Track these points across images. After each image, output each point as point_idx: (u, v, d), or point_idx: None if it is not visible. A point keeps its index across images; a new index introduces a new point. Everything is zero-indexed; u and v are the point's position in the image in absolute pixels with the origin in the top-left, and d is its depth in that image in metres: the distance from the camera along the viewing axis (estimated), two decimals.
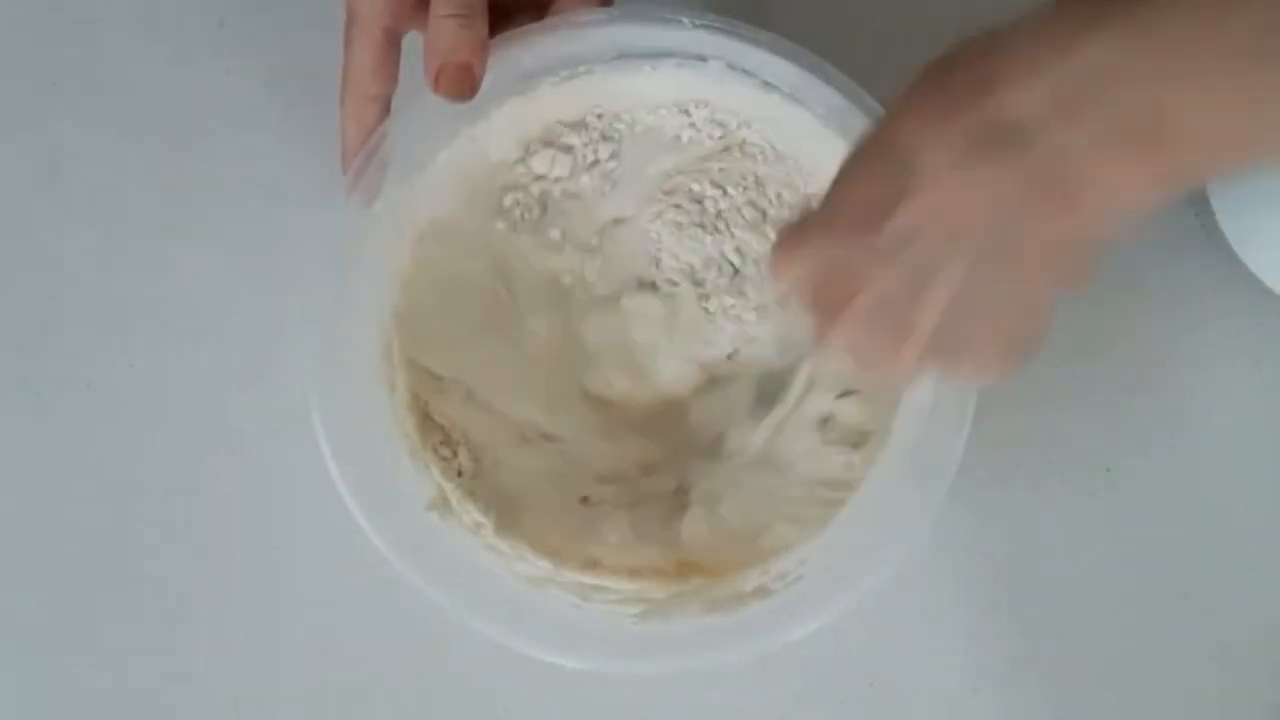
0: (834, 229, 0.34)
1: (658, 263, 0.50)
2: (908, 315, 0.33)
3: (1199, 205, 0.50)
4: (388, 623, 0.49)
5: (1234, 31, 0.29)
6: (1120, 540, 0.50)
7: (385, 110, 0.44)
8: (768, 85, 0.46)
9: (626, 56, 0.47)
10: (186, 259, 0.52)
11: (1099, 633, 0.50)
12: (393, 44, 0.43)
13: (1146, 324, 0.51)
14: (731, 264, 0.49)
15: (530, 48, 0.46)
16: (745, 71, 0.46)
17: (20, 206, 0.53)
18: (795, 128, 0.47)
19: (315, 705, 0.50)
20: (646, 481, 0.48)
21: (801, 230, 0.35)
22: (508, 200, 0.49)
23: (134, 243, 0.52)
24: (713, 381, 0.49)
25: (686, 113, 0.49)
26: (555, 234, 0.50)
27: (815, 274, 0.34)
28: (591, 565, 0.46)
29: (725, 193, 0.49)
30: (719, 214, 0.49)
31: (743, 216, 0.49)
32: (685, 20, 0.45)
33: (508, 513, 0.46)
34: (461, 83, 0.41)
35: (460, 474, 0.47)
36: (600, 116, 0.49)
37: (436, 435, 0.47)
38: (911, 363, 0.34)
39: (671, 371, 0.49)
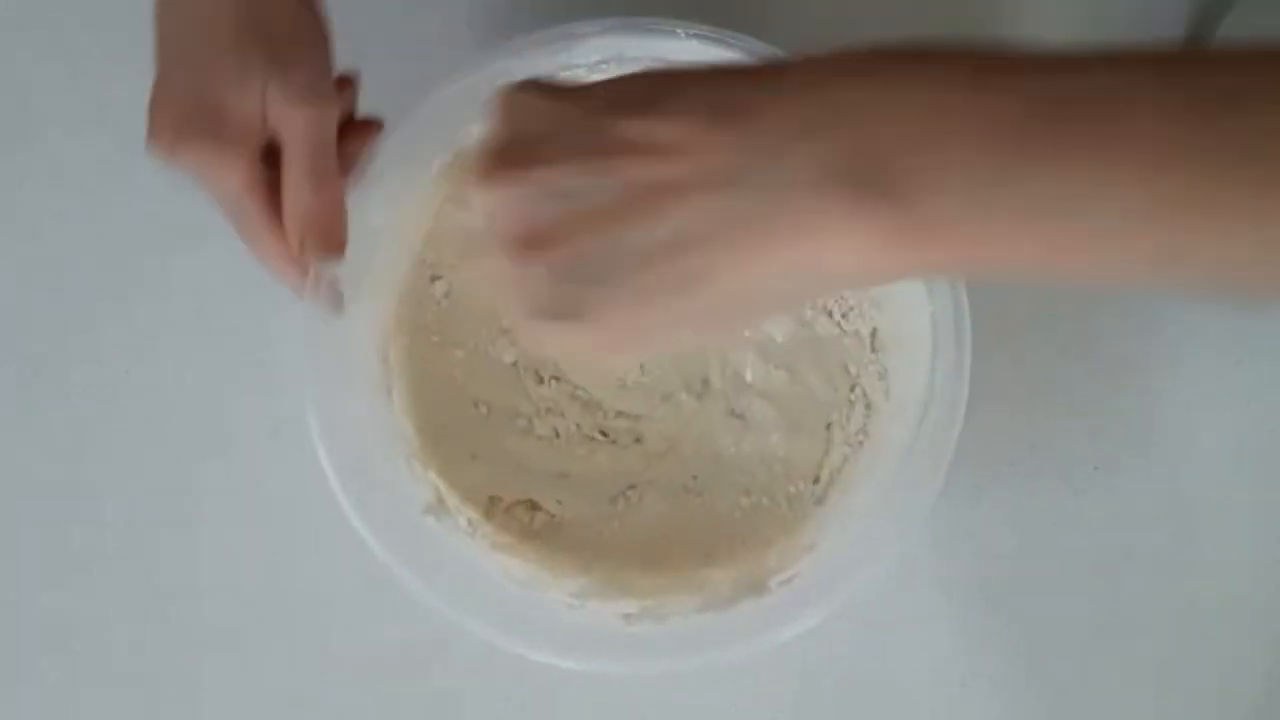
0: (567, 94, 0.31)
1: None
2: (559, 221, 0.30)
3: None
4: (384, 624, 0.49)
5: (994, 115, 0.27)
6: (1109, 537, 0.51)
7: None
8: None
9: (620, 63, 0.46)
10: (183, 265, 0.52)
11: (1090, 629, 0.50)
12: (269, 203, 0.42)
13: (1132, 325, 0.52)
14: None
15: (521, 58, 0.46)
16: None
17: (15, 210, 0.53)
18: None
19: (312, 706, 0.50)
20: (645, 477, 0.49)
21: (543, 82, 0.32)
22: None
23: (130, 247, 0.53)
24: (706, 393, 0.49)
25: None
26: None
27: (518, 121, 0.31)
28: (585, 569, 0.46)
29: None
30: None
31: None
32: (679, 31, 0.45)
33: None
34: (329, 243, 0.41)
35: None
36: None
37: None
38: (528, 263, 0.30)
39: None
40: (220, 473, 0.51)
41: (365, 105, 0.46)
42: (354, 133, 0.44)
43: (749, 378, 0.48)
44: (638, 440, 0.49)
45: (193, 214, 0.51)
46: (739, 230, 0.29)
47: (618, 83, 0.31)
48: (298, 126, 0.40)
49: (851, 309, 0.48)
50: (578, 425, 0.49)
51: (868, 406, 0.48)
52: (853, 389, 0.48)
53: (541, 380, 0.49)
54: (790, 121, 0.28)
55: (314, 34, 0.42)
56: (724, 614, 0.44)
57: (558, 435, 0.49)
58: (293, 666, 0.50)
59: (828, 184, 0.28)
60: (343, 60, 0.44)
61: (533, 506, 0.48)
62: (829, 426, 0.48)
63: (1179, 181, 0.27)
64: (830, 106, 0.28)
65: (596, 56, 0.46)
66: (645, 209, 0.29)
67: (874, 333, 0.48)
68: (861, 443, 0.48)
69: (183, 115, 0.40)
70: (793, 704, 0.50)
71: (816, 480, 0.48)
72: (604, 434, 0.49)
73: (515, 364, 0.49)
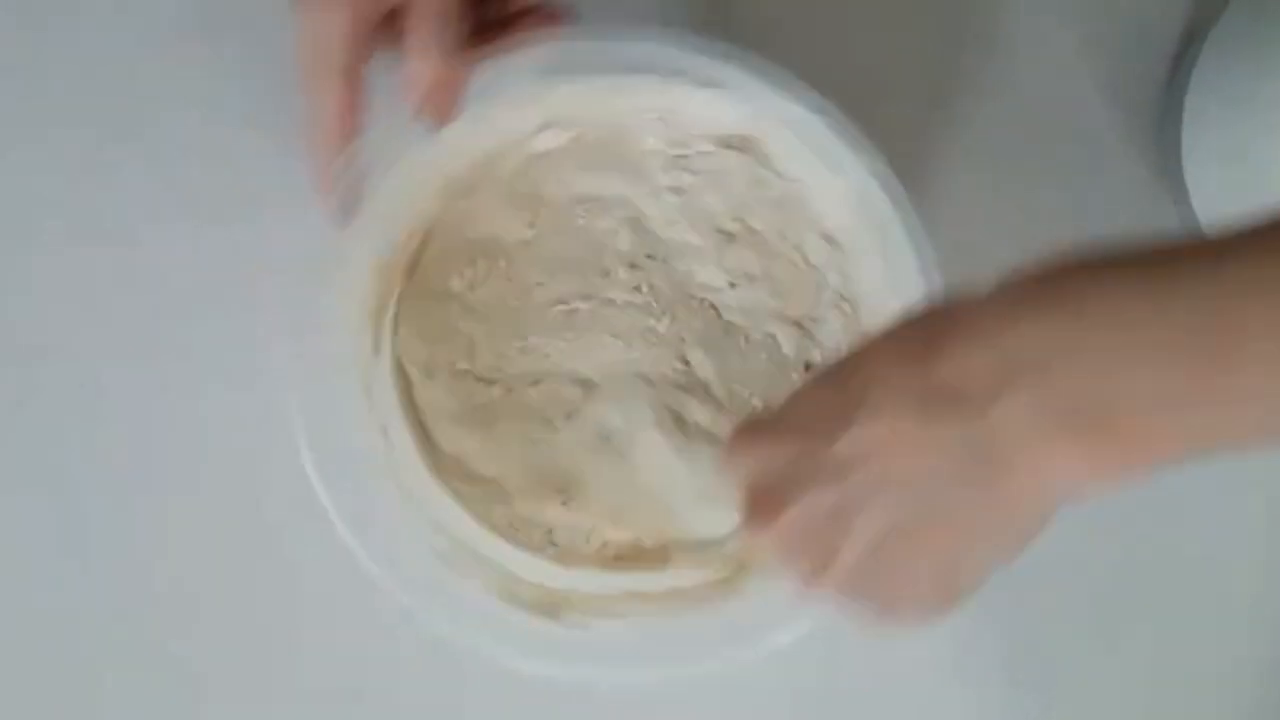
0: (782, 436, 0.35)
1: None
2: (830, 541, 0.34)
3: (1183, 210, 0.51)
4: (372, 633, 0.49)
5: (1168, 325, 0.29)
6: (1105, 537, 0.51)
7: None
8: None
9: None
10: (167, 256, 0.51)
11: (1086, 630, 0.50)
12: (358, 87, 0.41)
13: None
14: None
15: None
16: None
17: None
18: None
19: (300, 713, 0.50)
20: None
21: (753, 430, 0.36)
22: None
23: (112, 239, 0.52)
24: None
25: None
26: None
27: (756, 476, 0.35)
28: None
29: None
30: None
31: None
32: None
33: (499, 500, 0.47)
34: (443, 111, 0.41)
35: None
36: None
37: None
38: (826, 587, 0.35)
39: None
40: (203, 477, 0.50)
41: None
42: (527, 19, 0.43)
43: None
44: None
45: (179, 204, 0.51)
46: (967, 491, 0.32)
47: (815, 393, 0.35)
48: None
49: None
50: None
51: None
52: None
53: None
54: (984, 386, 0.30)
55: None
56: (709, 618, 0.44)
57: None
58: (283, 673, 0.50)
59: (1034, 431, 0.30)
60: None
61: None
62: None
63: None
64: (1016, 357, 0.30)
65: None
66: (886, 504, 0.33)
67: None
68: None
69: None
70: (782, 712, 0.50)
71: None
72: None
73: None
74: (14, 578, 0.50)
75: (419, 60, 0.40)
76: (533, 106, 0.47)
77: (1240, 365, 0.29)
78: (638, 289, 0.48)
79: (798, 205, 0.48)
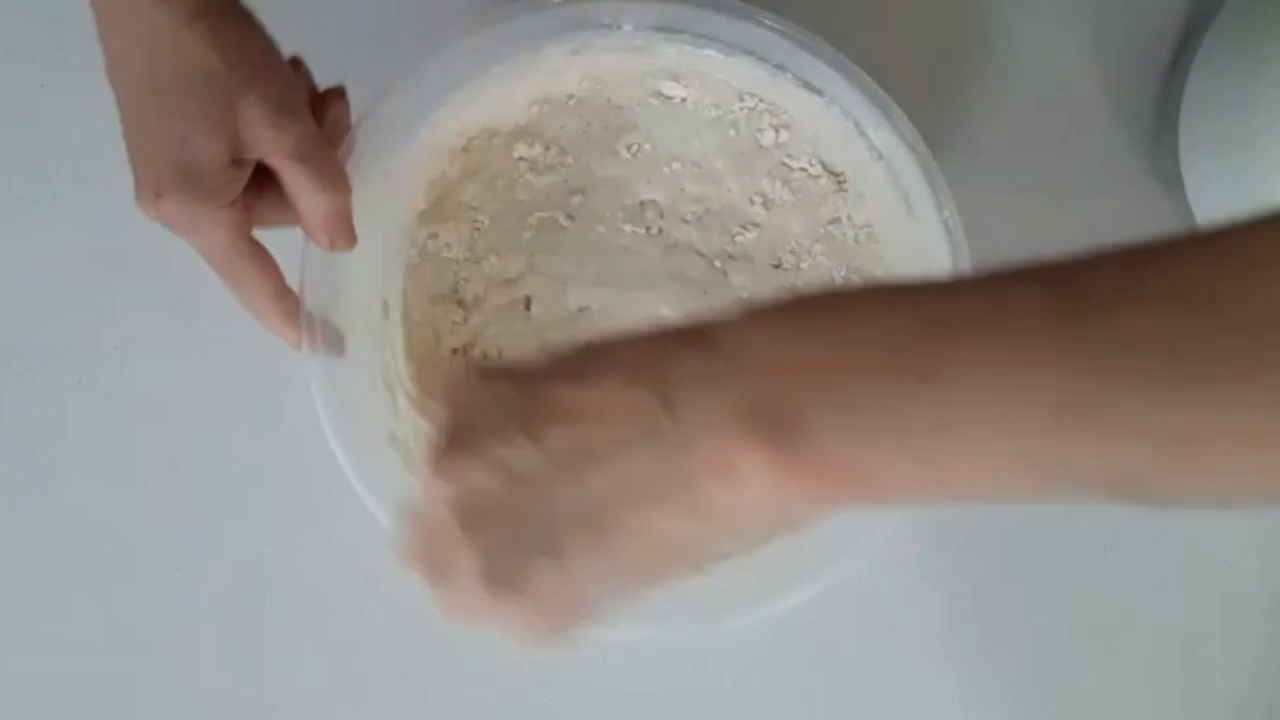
0: (507, 378, 0.33)
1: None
2: (500, 496, 0.32)
3: (1178, 203, 0.51)
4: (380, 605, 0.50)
5: (879, 347, 0.29)
6: (1099, 529, 0.51)
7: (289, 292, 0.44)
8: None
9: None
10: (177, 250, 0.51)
11: (1078, 621, 0.51)
12: (267, 264, 0.42)
13: None
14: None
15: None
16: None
17: (9, 205, 0.53)
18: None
19: (321, 689, 0.50)
20: None
21: (485, 366, 0.35)
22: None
23: (124, 229, 0.50)
24: None
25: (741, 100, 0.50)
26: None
27: (464, 407, 0.33)
28: None
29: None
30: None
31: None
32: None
33: None
34: (347, 236, 0.42)
35: None
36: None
37: None
38: (463, 550, 0.32)
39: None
40: (224, 461, 0.51)
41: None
42: (324, 105, 0.44)
43: None
44: None
45: None
46: (654, 483, 0.30)
47: (557, 357, 0.33)
48: (286, 143, 0.40)
49: None
50: None
51: None
52: None
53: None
54: (698, 373, 0.30)
55: (265, 45, 0.41)
56: (705, 586, 0.44)
57: None
58: (301, 656, 0.50)
59: (729, 429, 0.29)
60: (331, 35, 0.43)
61: None
62: None
63: (1051, 388, 0.28)
64: (734, 355, 0.30)
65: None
66: (571, 474, 0.31)
67: None
68: None
69: (157, 173, 0.39)
70: (766, 685, 0.50)
71: None
72: None
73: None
74: (21, 571, 0.50)
75: (312, 207, 0.41)
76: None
77: (917, 397, 0.28)
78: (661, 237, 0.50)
79: (865, 254, 0.49)
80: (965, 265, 0.44)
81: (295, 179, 0.40)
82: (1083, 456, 0.28)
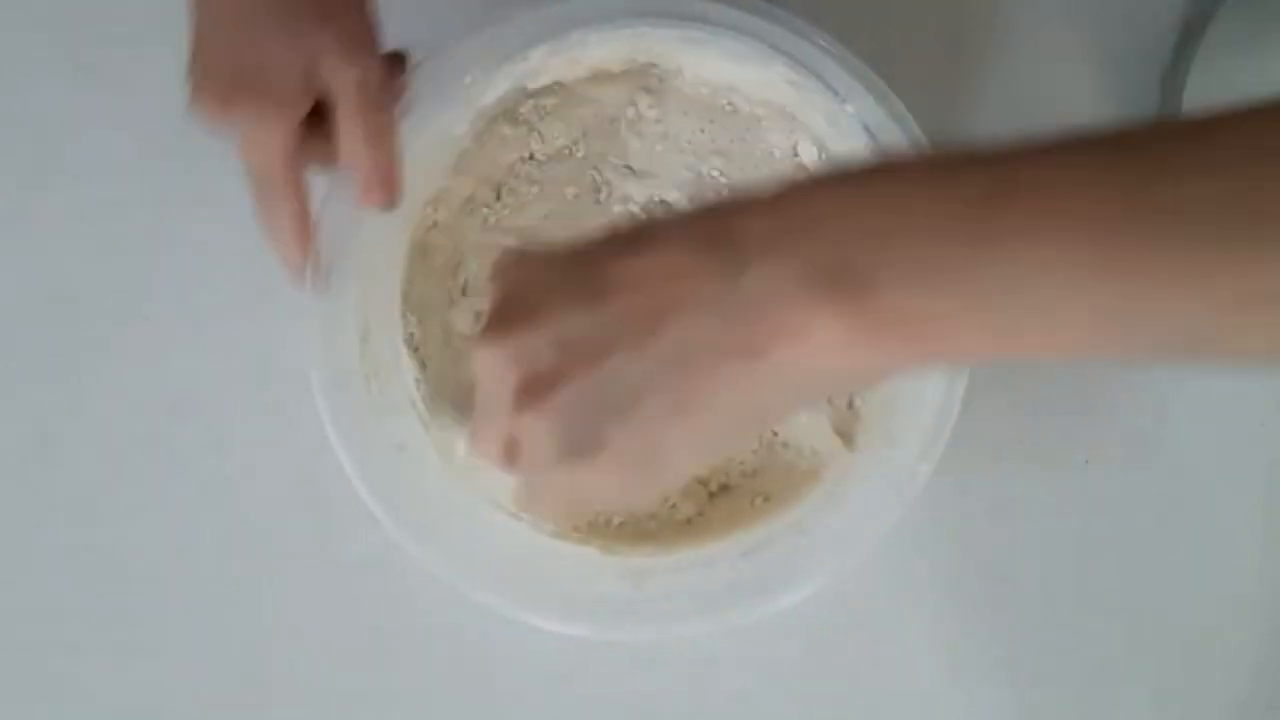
0: (558, 257, 0.33)
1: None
2: (562, 364, 0.31)
3: None
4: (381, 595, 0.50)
5: (943, 208, 0.29)
6: (1098, 530, 0.51)
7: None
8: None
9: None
10: (172, 260, 0.52)
11: (1076, 622, 0.51)
12: (300, 194, 0.43)
13: None
14: None
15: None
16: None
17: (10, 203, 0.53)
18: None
19: (327, 688, 0.50)
20: None
21: (531, 248, 0.34)
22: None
23: (124, 222, 0.52)
24: None
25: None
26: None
27: (516, 285, 0.33)
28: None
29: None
30: None
31: None
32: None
33: None
34: (389, 194, 0.43)
35: None
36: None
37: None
38: (535, 411, 0.32)
39: None
40: (222, 458, 0.51)
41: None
42: (387, 70, 0.44)
43: None
44: None
45: (193, 195, 0.52)
46: (721, 347, 0.30)
47: (608, 232, 0.33)
48: (350, 82, 0.41)
49: None
50: None
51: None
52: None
53: None
54: (761, 238, 0.30)
55: None
56: (707, 584, 0.45)
57: None
58: (305, 656, 0.50)
59: (799, 291, 0.29)
60: None
61: None
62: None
63: (1116, 249, 0.28)
64: (797, 219, 0.30)
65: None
66: (636, 338, 0.31)
67: None
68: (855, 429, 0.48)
69: (229, 75, 0.40)
70: (763, 688, 0.50)
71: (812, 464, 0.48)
72: None
73: None
74: (29, 572, 0.51)
75: (352, 159, 0.42)
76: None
77: (989, 257, 0.28)
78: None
79: None
80: None
81: (348, 123, 0.41)
82: (1150, 316, 0.28)
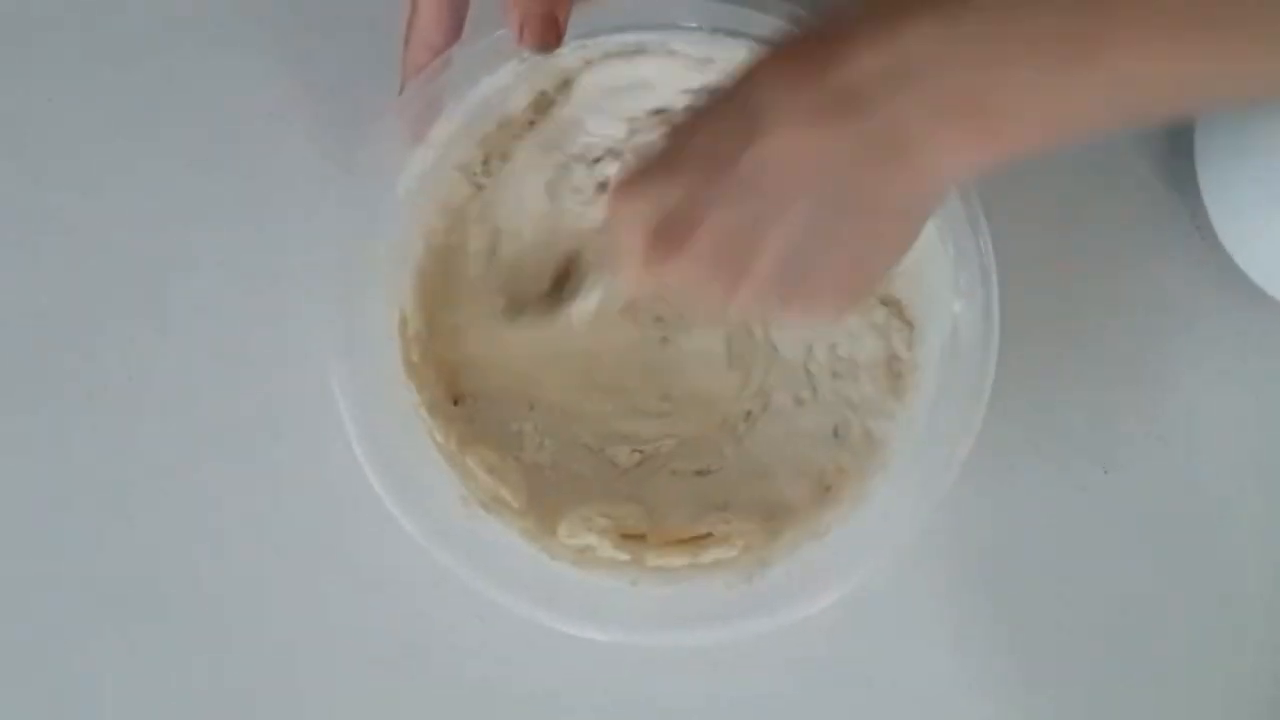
0: (677, 169, 0.35)
1: None
2: (744, 255, 0.35)
3: (1193, 207, 0.51)
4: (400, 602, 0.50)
5: (1044, 20, 0.32)
6: (1117, 541, 0.51)
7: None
8: None
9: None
10: (187, 266, 0.52)
11: (1092, 632, 0.50)
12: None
13: (1140, 323, 0.52)
14: None
15: None
16: None
17: (16, 211, 0.53)
18: None
19: (345, 693, 0.50)
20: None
21: (645, 169, 0.36)
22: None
23: (138, 241, 0.52)
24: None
25: None
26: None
27: (655, 212, 0.35)
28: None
29: None
30: None
31: None
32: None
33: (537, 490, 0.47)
34: (546, 33, 0.42)
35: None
36: None
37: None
38: (746, 300, 0.36)
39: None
40: (242, 469, 0.51)
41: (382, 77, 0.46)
42: None
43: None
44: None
45: (204, 210, 0.52)
46: (878, 189, 0.34)
47: (702, 126, 0.35)
48: None
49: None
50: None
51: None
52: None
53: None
54: (875, 88, 0.32)
55: None
56: (723, 595, 0.45)
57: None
58: (320, 663, 0.50)
59: (926, 132, 0.33)
60: None
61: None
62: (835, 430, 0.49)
63: (1213, 44, 0.33)
64: (904, 64, 0.32)
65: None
66: (802, 213, 0.34)
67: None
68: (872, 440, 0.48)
69: None
70: (782, 695, 0.50)
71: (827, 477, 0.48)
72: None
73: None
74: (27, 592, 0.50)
75: None
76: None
77: (1108, 51, 0.32)
78: None
79: None
80: (988, 250, 0.45)
81: None
82: (1239, 80, 0.34)
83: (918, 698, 0.50)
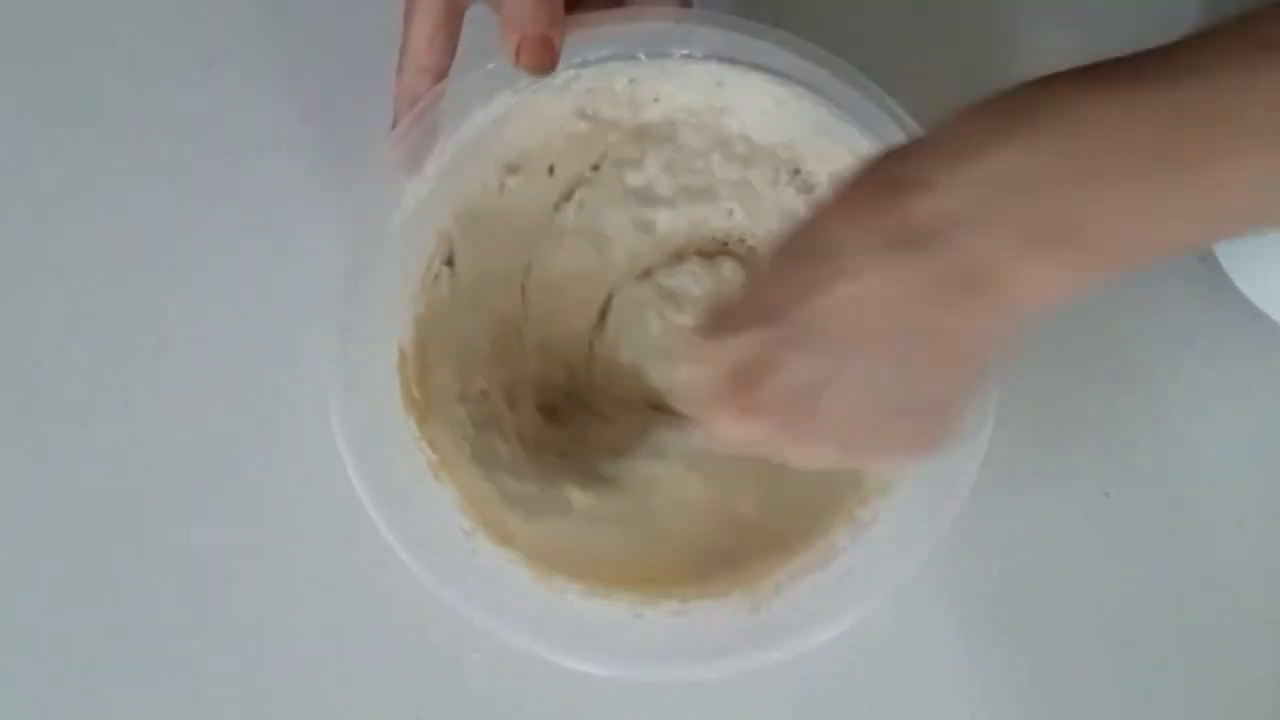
0: (749, 318, 0.34)
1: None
2: (809, 407, 0.33)
3: None
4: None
5: (1137, 140, 0.30)
6: (1117, 564, 0.51)
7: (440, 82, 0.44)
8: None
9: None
10: (182, 293, 0.52)
11: (1097, 656, 0.50)
12: (454, 16, 0.42)
13: (1144, 350, 0.52)
14: None
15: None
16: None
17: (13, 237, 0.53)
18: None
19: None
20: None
21: (718, 317, 0.35)
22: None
23: (131, 268, 0.52)
24: None
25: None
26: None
27: (727, 365, 0.34)
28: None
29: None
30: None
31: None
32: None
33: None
34: (542, 55, 0.41)
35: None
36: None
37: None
38: (815, 450, 0.35)
39: None
40: (241, 497, 0.50)
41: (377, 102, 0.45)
42: None
43: None
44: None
45: (198, 236, 0.52)
46: (953, 327, 0.32)
47: (777, 273, 0.34)
48: None
49: None
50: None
51: None
52: None
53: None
54: (953, 218, 0.31)
55: None
56: (724, 625, 0.44)
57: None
58: (315, 691, 0.49)
59: (1008, 258, 0.31)
60: None
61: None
62: None
63: None
64: (983, 188, 0.30)
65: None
66: (872, 360, 0.33)
67: None
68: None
69: None
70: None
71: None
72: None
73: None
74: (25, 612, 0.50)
75: (516, 6, 0.40)
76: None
77: (1209, 162, 0.30)
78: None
79: None
80: None
81: None
82: None
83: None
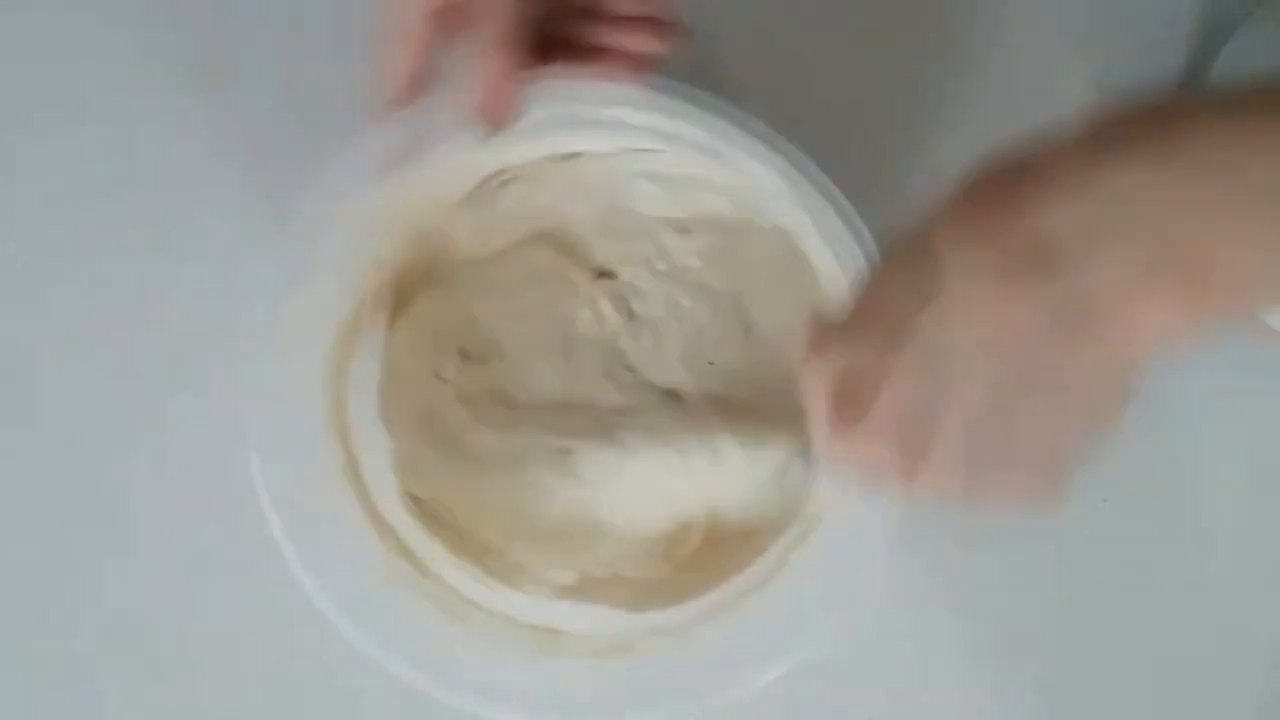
0: (858, 331, 0.33)
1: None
2: (922, 435, 0.32)
3: None
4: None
5: (1263, 165, 0.28)
6: (1116, 571, 0.50)
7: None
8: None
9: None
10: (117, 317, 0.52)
11: (1096, 662, 0.50)
12: (423, 54, 0.42)
13: None
14: None
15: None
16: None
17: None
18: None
19: None
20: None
21: (827, 331, 0.34)
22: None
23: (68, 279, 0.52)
24: None
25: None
26: None
27: (838, 376, 0.33)
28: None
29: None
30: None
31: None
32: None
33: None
34: (503, 116, 0.42)
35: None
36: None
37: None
38: (925, 485, 0.33)
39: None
40: (164, 537, 0.51)
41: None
42: (636, 29, 0.43)
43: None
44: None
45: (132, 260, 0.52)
46: (1071, 359, 0.31)
47: (885, 284, 0.33)
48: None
49: None
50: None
51: None
52: None
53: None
54: (1075, 240, 0.29)
55: None
56: (693, 652, 0.43)
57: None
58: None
59: (1132, 283, 0.29)
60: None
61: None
62: None
63: None
64: (1107, 212, 0.29)
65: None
66: (984, 385, 0.31)
67: None
68: None
69: None
70: None
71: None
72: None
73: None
74: None
75: (475, 59, 0.40)
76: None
77: None
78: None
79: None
80: None
81: (474, 23, 0.40)
82: None
83: None
